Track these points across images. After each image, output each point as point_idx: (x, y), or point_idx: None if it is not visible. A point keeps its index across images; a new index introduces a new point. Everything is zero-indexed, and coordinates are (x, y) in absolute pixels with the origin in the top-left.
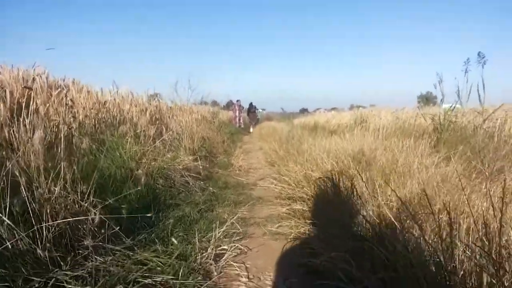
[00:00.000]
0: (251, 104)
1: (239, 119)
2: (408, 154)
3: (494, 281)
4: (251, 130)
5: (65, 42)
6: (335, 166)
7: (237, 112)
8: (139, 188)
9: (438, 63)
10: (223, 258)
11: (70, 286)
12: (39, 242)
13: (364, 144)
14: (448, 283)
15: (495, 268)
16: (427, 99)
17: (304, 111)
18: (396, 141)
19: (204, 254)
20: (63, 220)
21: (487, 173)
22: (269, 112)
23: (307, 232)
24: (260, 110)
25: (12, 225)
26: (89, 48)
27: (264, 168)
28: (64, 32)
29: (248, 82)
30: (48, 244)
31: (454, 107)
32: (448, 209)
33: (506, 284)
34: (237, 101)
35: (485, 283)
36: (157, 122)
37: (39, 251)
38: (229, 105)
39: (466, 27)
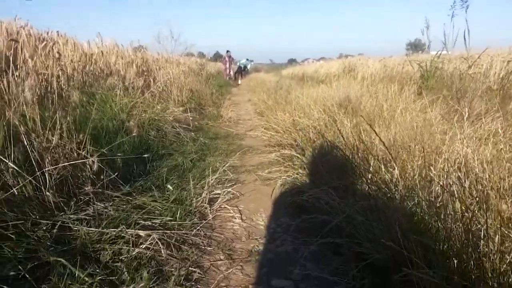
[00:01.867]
0: (239, 67)
1: (229, 71)
2: (393, 100)
3: (463, 208)
4: (239, 82)
5: None
6: (321, 113)
7: (227, 64)
8: (132, 135)
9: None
10: (217, 202)
11: (76, 227)
12: (43, 188)
13: (351, 91)
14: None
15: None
16: (415, 46)
17: (292, 61)
18: (382, 88)
19: (199, 199)
20: (64, 164)
21: (463, 113)
22: (257, 64)
23: (295, 175)
24: (250, 63)
25: (18, 170)
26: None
27: (253, 119)
28: None
29: (236, 34)
30: (51, 190)
31: (441, 54)
32: (423, 149)
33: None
34: (227, 51)
35: (458, 210)
36: (145, 74)
37: (44, 194)
38: (216, 57)
39: None
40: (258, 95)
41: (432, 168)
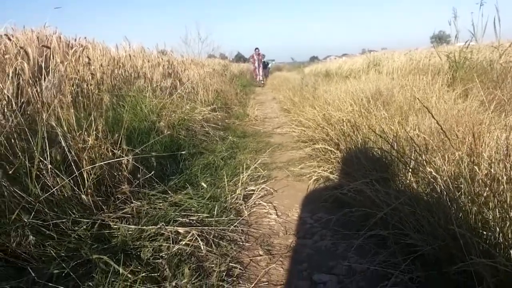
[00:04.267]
0: (263, 62)
1: (259, 71)
2: (425, 92)
3: None
4: (264, 81)
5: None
6: (354, 106)
7: (256, 62)
8: (164, 135)
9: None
10: (251, 199)
11: (115, 225)
12: (81, 188)
13: (381, 84)
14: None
15: None
16: (440, 39)
17: (314, 59)
18: (412, 79)
19: (233, 196)
20: (101, 163)
21: (505, 99)
22: (278, 63)
23: (330, 170)
24: (271, 62)
25: (57, 172)
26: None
27: (279, 117)
28: None
29: (257, 34)
30: (89, 190)
31: (469, 44)
32: (471, 136)
33: None
34: (256, 49)
35: (508, 201)
36: (171, 76)
37: (83, 196)
38: (238, 58)
39: None
40: (283, 93)
41: (484, 155)
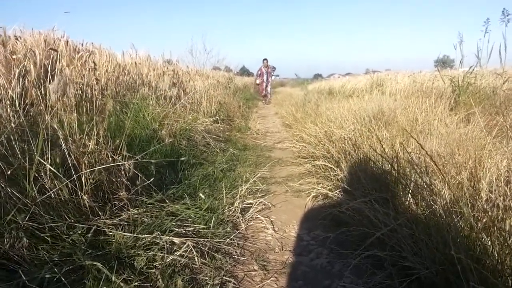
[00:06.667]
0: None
1: (267, 86)
2: (428, 114)
3: None
4: (270, 96)
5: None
6: (356, 124)
7: (265, 76)
8: (164, 142)
9: (455, 27)
10: (249, 212)
11: (110, 232)
12: (79, 192)
13: (383, 104)
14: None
15: None
16: (444, 63)
17: (318, 76)
18: (415, 101)
19: (231, 208)
20: (100, 167)
21: (507, 125)
22: (282, 78)
23: (329, 187)
24: (275, 76)
25: (56, 172)
26: (103, 13)
27: (281, 132)
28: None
29: (262, 48)
30: (87, 194)
31: (473, 69)
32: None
33: None
34: (264, 60)
35: (507, 228)
36: (176, 85)
37: (81, 199)
38: (243, 71)
39: None
40: (285, 108)
41: (483, 181)
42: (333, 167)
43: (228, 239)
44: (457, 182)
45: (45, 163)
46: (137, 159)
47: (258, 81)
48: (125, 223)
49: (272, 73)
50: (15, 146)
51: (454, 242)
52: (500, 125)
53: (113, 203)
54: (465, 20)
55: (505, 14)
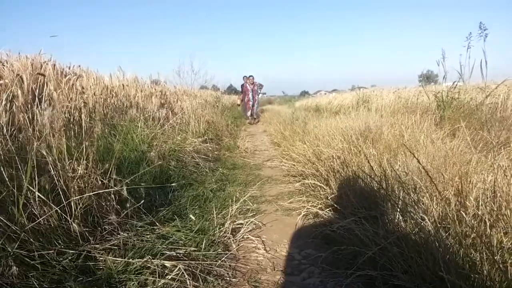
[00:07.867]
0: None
1: (254, 105)
2: (414, 130)
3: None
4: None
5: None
6: (344, 143)
7: (250, 94)
8: (154, 165)
9: (439, 42)
10: (240, 233)
11: (101, 257)
12: (68, 218)
13: (370, 121)
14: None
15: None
16: (428, 78)
17: (305, 93)
18: (401, 118)
19: (221, 229)
20: (90, 194)
21: (493, 142)
22: (270, 96)
23: (319, 206)
24: (261, 94)
25: (45, 199)
26: (89, 35)
27: (269, 150)
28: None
29: (248, 67)
30: (76, 220)
31: (457, 84)
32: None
33: None
34: (249, 77)
35: (495, 243)
36: (164, 106)
37: (71, 224)
38: (230, 90)
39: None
40: (274, 126)
41: (470, 197)
42: (322, 185)
43: (219, 261)
44: (444, 198)
45: (34, 189)
46: (127, 182)
47: (238, 102)
48: (116, 247)
49: (258, 91)
50: (3, 172)
51: (443, 259)
52: (484, 140)
53: (103, 227)
54: (449, 33)
55: (482, 28)
